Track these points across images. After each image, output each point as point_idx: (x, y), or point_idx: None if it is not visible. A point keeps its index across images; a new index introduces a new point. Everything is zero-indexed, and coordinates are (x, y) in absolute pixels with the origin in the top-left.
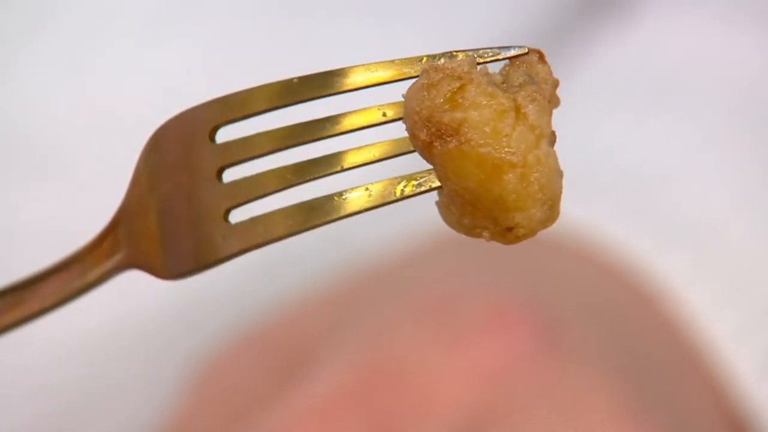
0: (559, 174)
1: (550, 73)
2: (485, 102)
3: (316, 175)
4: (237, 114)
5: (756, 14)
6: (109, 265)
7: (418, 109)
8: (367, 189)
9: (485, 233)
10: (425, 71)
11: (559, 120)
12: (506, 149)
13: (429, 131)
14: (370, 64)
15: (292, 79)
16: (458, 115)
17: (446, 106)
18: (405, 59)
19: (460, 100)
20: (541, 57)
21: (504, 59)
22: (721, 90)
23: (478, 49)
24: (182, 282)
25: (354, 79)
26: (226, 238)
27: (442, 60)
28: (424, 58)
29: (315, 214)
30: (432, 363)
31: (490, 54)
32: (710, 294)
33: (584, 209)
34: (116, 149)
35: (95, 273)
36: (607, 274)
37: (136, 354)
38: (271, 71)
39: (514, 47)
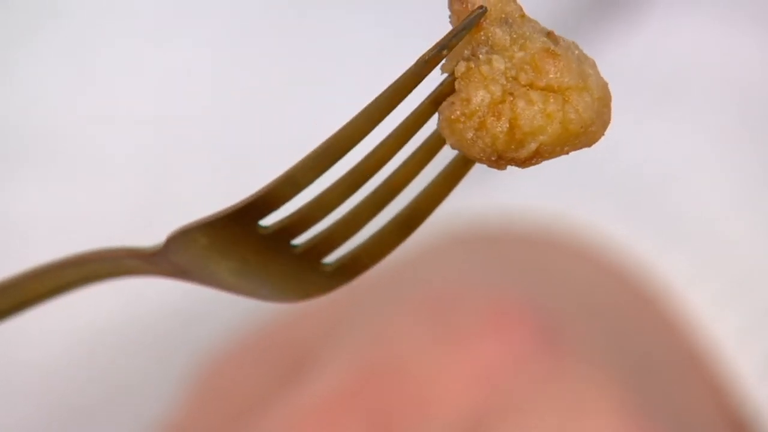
0: (598, 74)
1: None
2: (545, 123)
3: (382, 205)
4: (275, 206)
5: (758, 15)
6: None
7: (484, 157)
8: (429, 185)
9: None
10: (450, 117)
11: None
12: (585, 131)
13: (508, 163)
14: (370, 106)
15: (304, 160)
16: (531, 146)
17: (512, 146)
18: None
19: (521, 136)
20: None
21: (469, 29)
22: (723, 91)
23: (442, 41)
24: (184, 283)
25: (362, 129)
26: (332, 276)
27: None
28: (401, 79)
29: (409, 224)
30: (432, 363)
31: (457, 34)
32: (711, 294)
33: (585, 209)
34: (119, 148)
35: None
36: (608, 274)
37: (137, 354)
38: (277, 69)
39: (471, 14)
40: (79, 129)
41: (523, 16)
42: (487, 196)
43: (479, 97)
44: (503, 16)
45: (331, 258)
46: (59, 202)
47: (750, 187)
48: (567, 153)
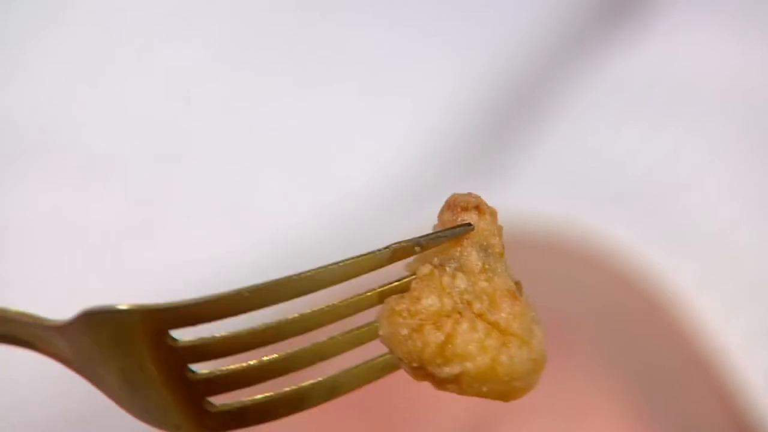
0: (544, 340)
1: (490, 218)
2: (478, 354)
3: (290, 370)
4: (189, 321)
5: (764, 26)
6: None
7: (407, 360)
8: (355, 369)
9: None
10: (395, 312)
11: (573, 128)
12: (509, 381)
13: (425, 378)
14: (325, 270)
15: (241, 291)
16: (455, 370)
17: (438, 361)
18: (355, 264)
19: (450, 354)
20: (478, 209)
21: (449, 238)
22: (731, 100)
23: (421, 239)
24: (186, 286)
25: (305, 288)
26: (214, 418)
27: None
28: (367, 257)
29: (300, 403)
30: None
31: (434, 239)
32: (720, 301)
33: (596, 216)
34: (120, 149)
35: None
36: (615, 281)
37: None
38: (279, 71)
39: (457, 228)
40: (80, 130)
41: (502, 254)
42: (496, 201)
43: (429, 301)
44: (485, 243)
45: (220, 399)
46: (60, 203)
47: (757, 195)
48: (482, 396)
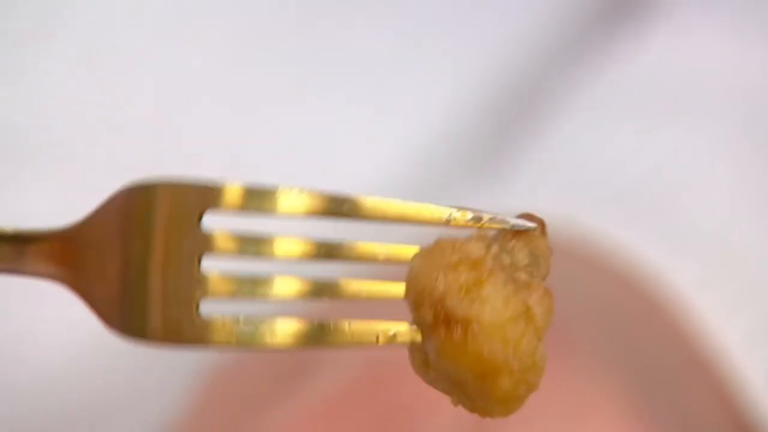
0: (545, 359)
1: (549, 246)
2: (500, 305)
3: (300, 296)
4: (230, 206)
5: (765, 26)
6: (46, 270)
7: (429, 289)
8: (349, 324)
9: (453, 399)
10: (439, 245)
11: (574, 128)
12: (510, 356)
13: (436, 314)
14: (393, 202)
15: (293, 190)
16: (473, 311)
17: (461, 295)
18: (431, 208)
19: (474, 294)
20: (542, 229)
21: (509, 227)
22: (731, 100)
23: (486, 214)
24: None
25: (369, 211)
26: (193, 329)
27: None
28: (450, 213)
29: (300, 338)
30: None
31: (498, 221)
32: (720, 301)
33: (596, 216)
34: (123, 151)
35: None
36: (616, 280)
37: (142, 355)
38: (283, 69)
39: (523, 221)
40: (83, 132)
41: (545, 276)
42: (496, 201)
43: (476, 246)
44: (535, 254)
45: (210, 309)
46: (60, 204)
47: (757, 195)
48: (472, 368)
